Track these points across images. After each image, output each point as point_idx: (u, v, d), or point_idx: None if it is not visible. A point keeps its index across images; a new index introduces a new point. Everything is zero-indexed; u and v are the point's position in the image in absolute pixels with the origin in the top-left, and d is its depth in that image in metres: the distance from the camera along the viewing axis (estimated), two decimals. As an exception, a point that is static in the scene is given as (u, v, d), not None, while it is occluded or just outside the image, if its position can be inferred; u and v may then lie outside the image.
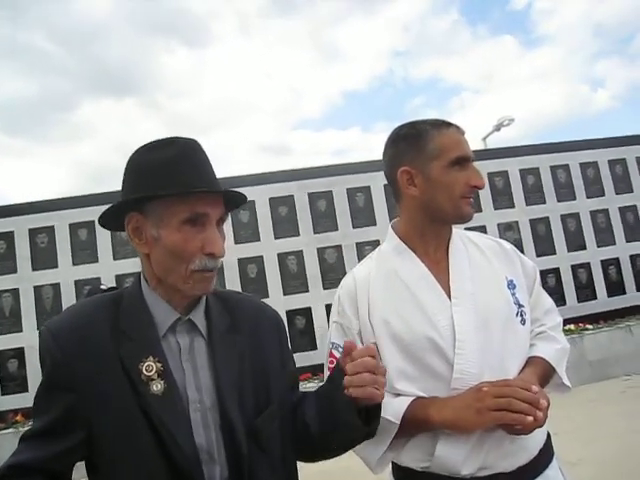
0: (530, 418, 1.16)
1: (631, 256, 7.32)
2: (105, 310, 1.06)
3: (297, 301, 6.27)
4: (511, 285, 1.37)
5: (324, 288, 6.37)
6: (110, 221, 1.10)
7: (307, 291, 6.34)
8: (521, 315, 1.36)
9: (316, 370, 5.95)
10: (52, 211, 6.38)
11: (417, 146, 1.33)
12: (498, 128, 9.71)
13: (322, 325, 6.31)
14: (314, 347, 6.21)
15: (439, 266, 1.36)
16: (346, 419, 1.06)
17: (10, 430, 5.60)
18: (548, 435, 1.37)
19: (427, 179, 1.32)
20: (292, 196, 6.48)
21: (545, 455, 1.33)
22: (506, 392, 1.19)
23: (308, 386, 5.65)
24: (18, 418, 5.82)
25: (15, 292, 6.28)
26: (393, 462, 1.39)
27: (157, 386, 1.00)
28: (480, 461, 1.25)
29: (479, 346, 1.27)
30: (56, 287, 6.27)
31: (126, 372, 1.00)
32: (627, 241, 7.34)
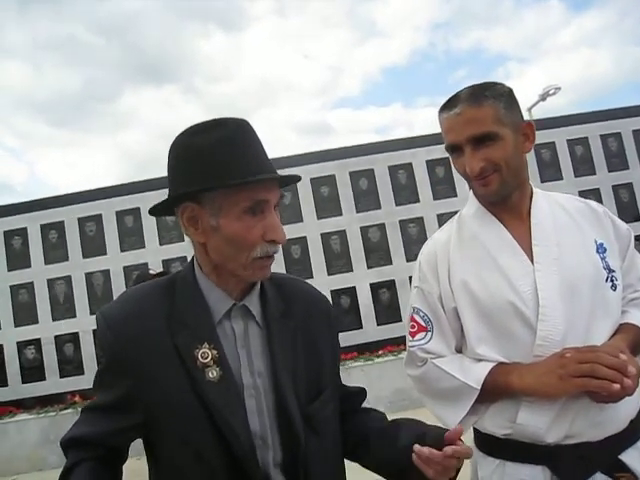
0: (616, 385, 1.10)
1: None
2: (159, 297, 1.06)
3: (341, 281, 6.26)
4: (601, 249, 1.32)
5: (368, 267, 6.34)
6: (160, 210, 1.08)
7: (351, 270, 6.32)
8: (612, 280, 1.30)
9: (361, 349, 5.96)
10: (99, 200, 6.55)
11: None
12: (544, 98, 9.37)
13: (366, 304, 6.30)
14: (359, 326, 6.21)
15: (522, 230, 1.32)
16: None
17: (69, 410, 5.84)
18: None
19: None
20: (333, 175, 6.44)
21: (637, 426, 1.27)
22: (590, 358, 1.15)
23: (354, 365, 5.66)
24: (76, 399, 6.05)
25: (67, 279, 6.51)
26: (475, 428, 1.38)
27: (213, 373, 1.00)
28: (565, 429, 1.22)
29: (564, 313, 1.22)
30: (106, 273, 6.46)
31: (182, 359, 1.00)
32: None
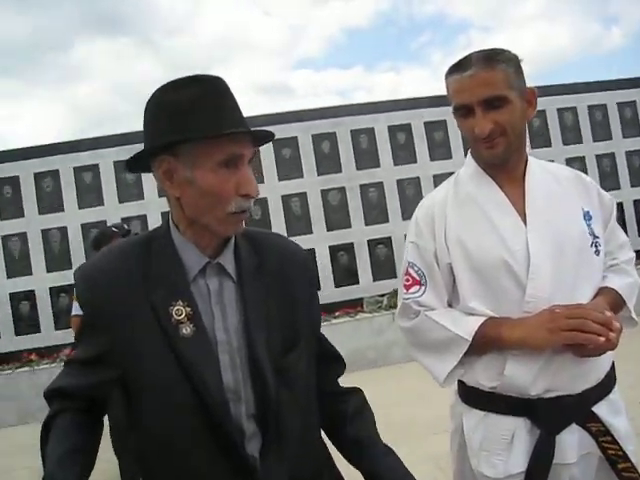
0: (602, 339, 1.19)
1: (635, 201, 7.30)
2: (135, 255, 1.07)
3: (300, 243, 6.02)
4: (587, 216, 1.39)
5: (327, 229, 6.41)
6: (136, 165, 1.10)
7: (311, 232, 6.38)
8: (595, 246, 1.37)
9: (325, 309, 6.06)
10: (56, 154, 6.38)
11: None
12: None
13: (325, 266, 6.40)
14: (317, 288, 6.27)
15: (516, 193, 1.38)
16: None
17: (25, 369, 5.78)
18: (612, 362, 1.40)
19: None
20: (296, 137, 6.44)
21: (610, 380, 1.38)
22: (579, 313, 1.23)
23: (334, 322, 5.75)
24: (32, 357, 5.99)
25: (23, 236, 6.36)
26: (460, 381, 1.44)
27: (187, 329, 1.03)
28: (547, 382, 1.30)
29: (552, 272, 1.29)
30: (63, 230, 6.34)
31: (156, 316, 1.03)
32: (632, 185, 7.30)
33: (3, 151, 6.49)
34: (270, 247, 1.18)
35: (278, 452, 1.08)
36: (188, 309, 1.03)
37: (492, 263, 1.32)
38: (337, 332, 5.83)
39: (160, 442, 1.06)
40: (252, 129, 1.02)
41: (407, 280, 1.42)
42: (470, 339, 1.31)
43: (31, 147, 6.48)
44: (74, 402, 1.08)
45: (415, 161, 6.59)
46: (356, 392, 1.29)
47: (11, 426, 5.45)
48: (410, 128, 6.59)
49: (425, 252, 1.40)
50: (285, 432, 1.09)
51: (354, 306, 6.18)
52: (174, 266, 1.06)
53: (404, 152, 6.57)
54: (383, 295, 6.08)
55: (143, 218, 5.92)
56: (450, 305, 1.43)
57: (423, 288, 1.40)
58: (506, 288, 1.32)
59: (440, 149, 6.55)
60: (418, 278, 1.40)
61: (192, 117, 0.99)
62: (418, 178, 6.49)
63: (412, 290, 1.41)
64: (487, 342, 1.31)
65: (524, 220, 1.34)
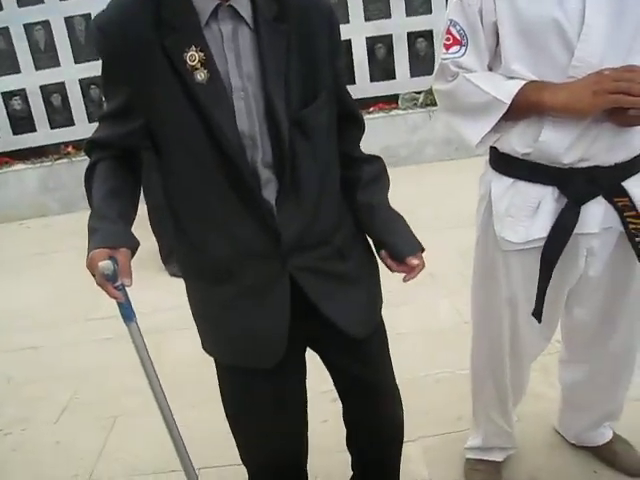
0: None
1: None
2: (146, 1, 1.05)
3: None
4: None
5: (365, 19, 6.00)
6: None
7: (348, 22, 5.83)
8: None
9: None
10: None
11: None
12: None
13: (361, 59, 6.10)
14: (352, 82, 6.05)
15: None
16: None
17: (64, 160, 5.96)
18: None
19: None
20: None
21: None
22: (629, 77, 1.16)
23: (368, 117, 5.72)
24: (69, 150, 6.13)
25: (46, 24, 6.08)
26: (492, 148, 1.44)
27: (201, 75, 1.03)
28: (582, 151, 1.27)
29: (607, 35, 1.20)
30: (87, 17, 6.03)
31: (171, 62, 1.03)
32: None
33: None
34: None
35: (295, 201, 1.14)
36: (201, 54, 1.03)
37: (541, 21, 1.23)
38: (370, 128, 5.73)
39: (184, 187, 1.15)
40: None
41: (447, 39, 1.36)
42: (509, 102, 1.27)
43: None
44: (111, 151, 1.16)
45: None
46: (375, 159, 1.33)
47: (56, 214, 5.79)
48: None
49: (469, 9, 1.31)
50: (301, 181, 1.14)
51: (389, 102, 6.04)
52: (185, 10, 1.04)
53: None
54: (420, 92, 5.90)
55: None
56: (490, 69, 1.37)
57: (464, 49, 1.34)
58: (553, 50, 1.24)
59: None
60: (459, 37, 1.34)
61: None
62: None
63: (452, 50, 1.35)
64: (527, 106, 1.27)
65: None
